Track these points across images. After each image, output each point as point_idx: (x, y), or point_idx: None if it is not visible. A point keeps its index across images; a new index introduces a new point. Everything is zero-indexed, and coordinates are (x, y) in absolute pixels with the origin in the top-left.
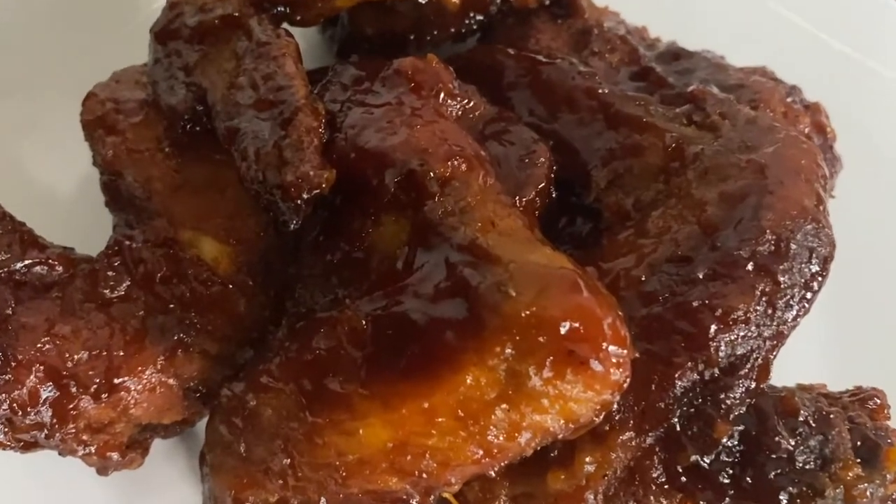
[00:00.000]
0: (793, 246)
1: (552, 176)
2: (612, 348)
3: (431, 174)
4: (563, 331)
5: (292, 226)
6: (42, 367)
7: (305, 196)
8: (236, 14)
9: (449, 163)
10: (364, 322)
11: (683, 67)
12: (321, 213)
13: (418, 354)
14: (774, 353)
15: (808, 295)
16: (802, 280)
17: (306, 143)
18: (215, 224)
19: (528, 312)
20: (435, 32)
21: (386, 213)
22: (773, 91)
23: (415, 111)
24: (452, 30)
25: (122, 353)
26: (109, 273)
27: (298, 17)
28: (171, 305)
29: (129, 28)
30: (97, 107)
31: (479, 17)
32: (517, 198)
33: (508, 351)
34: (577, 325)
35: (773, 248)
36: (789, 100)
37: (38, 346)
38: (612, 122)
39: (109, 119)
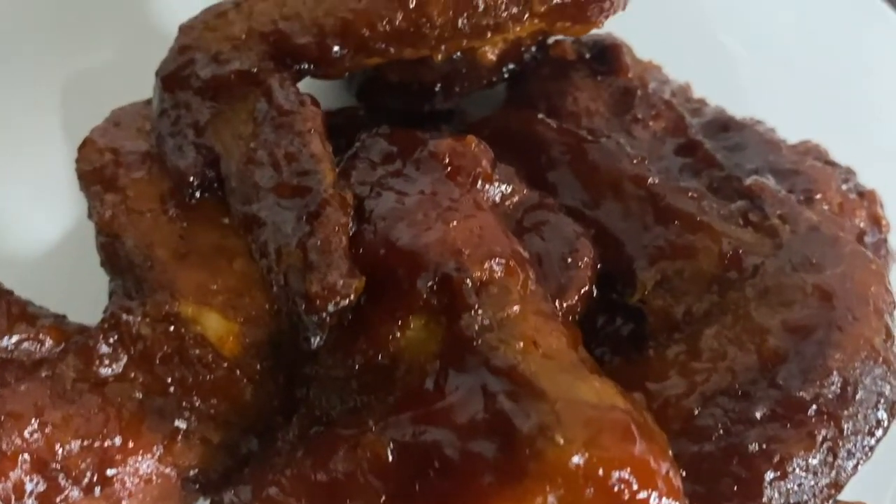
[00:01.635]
0: (860, 391)
1: (594, 281)
2: (665, 502)
3: (468, 281)
4: (613, 484)
5: (315, 343)
6: (29, 459)
7: (331, 309)
8: (255, 70)
9: (487, 265)
10: (389, 449)
11: (733, 142)
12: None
13: (448, 496)
14: (829, 502)
15: (872, 442)
16: (867, 427)
17: (334, 245)
18: (222, 299)
19: (575, 462)
20: (465, 84)
21: (416, 317)
22: (829, 179)
23: (451, 204)
24: (484, 81)
25: (117, 442)
26: (105, 349)
27: (322, 74)
28: (172, 388)
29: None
30: (95, 156)
31: (513, 67)
32: (558, 302)
33: (551, 501)
34: (629, 477)
35: (839, 391)
36: (845, 187)
37: (26, 435)
38: (661, 216)
39: (108, 172)
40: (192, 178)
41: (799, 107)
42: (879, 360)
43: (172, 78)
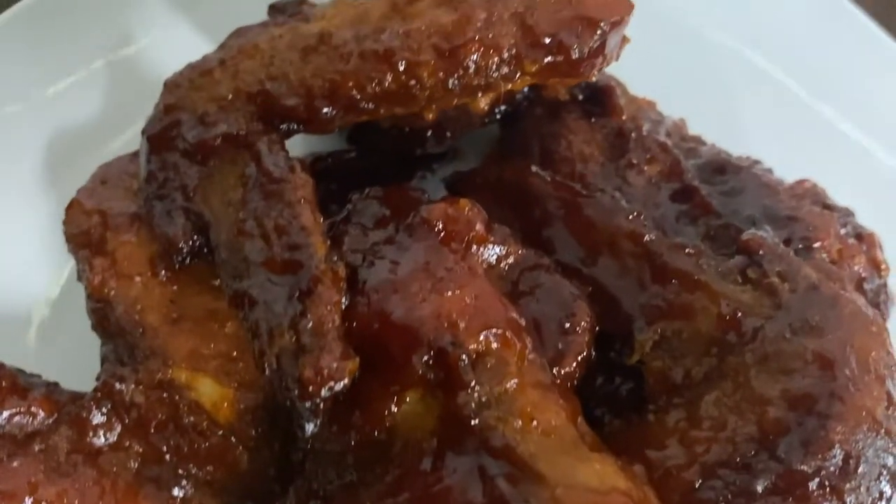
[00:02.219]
0: (863, 464)
1: (592, 345)
2: None
3: (464, 357)
4: None
5: (310, 430)
6: None
7: (325, 394)
8: (242, 133)
9: (483, 337)
10: None
11: (730, 186)
12: None
13: None
14: None
15: None
16: (870, 499)
17: (327, 326)
18: (215, 364)
19: None
20: (456, 128)
21: (412, 391)
22: (828, 226)
23: (445, 273)
24: (476, 124)
25: None
26: (98, 419)
27: (312, 131)
28: (167, 456)
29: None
30: (82, 219)
31: (505, 108)
32: (556, 369)
33: None
34: None
35: (841, 464)
36: (843, 231)
37: None
38: (659, 274)
39: (96, 236)
40: (181, 245)
41: (797, 137)
42: (881, 431)
43: (159, 139)
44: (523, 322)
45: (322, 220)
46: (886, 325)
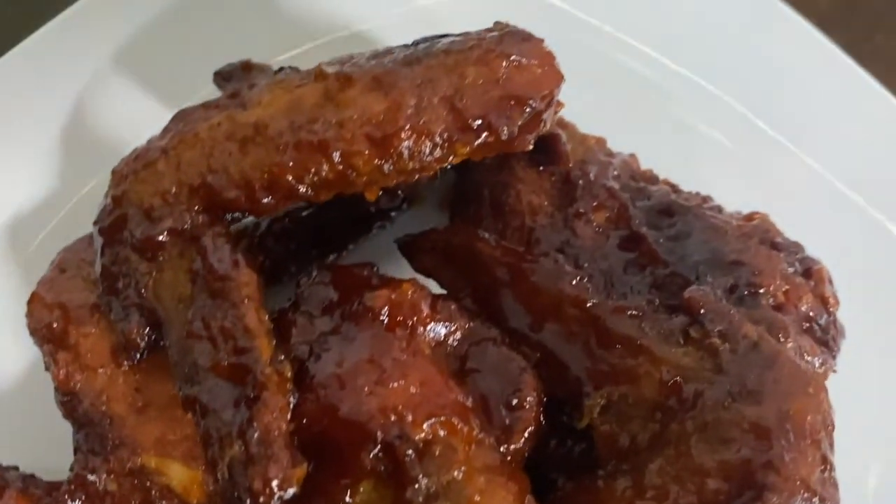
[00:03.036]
0: None
1: (541, 417)
2: None
3: (410, 451)
4: None
5: None
6: None
7: (276, 503)
8: (188, 227)
9: (429, 426)
10: None
11: (676, 230)
12: None
13: None
14: None
15: None
16: None
17: (273, 435)
18: (183, 448)
19: None
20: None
21: (365, 481)
22: (773, 268)
23: (390, 364)
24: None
25: None
26: None
27: (257, 216)
28: None
29: None
30: (43, 314)
31: None
32: (504, 446)
33: None
34: None
35: None
36: (791, 270)
37: None
38: (603, 339)
39: (58, 330)
40: (138, 342)
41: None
42: (816, 498)
43: (110, 231)
44: (470, 401)
45: (267, 317)
46: (834, 362)
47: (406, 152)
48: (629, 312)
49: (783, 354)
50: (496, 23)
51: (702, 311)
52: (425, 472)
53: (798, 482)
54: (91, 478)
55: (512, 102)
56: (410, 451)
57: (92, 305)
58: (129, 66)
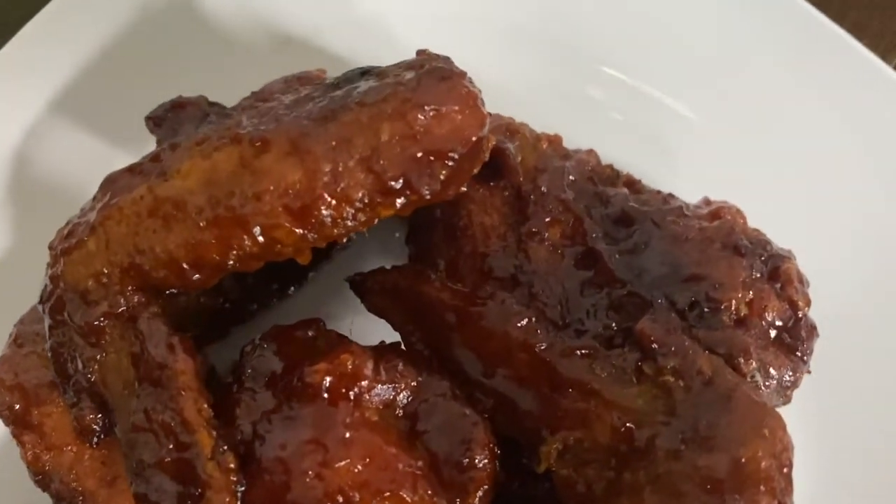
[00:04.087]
0: None
1: (497, 470)
2: None
3: None
4: None
5: None
6: None
7: None
8: (124, 309)
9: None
10: None
11: (634, 242)
12: None
13: None
14: None
15: None
16: None
17: None
18: None
19: None
20: None
21: None
22: (735, 279)
23: (333, 442)
24: None
25: None
26: None
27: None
28: None
29: None
30: (5, 396)
31: None
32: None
33: None
34: None
35: None
36: (755, 275)
37: None
38: (554, 384)
39: (20, 411)
40: (92, 427)
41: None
42: None
43: (52, 313)
44: (421, 465)
45: (206, 405)
46: (807, 365)
47: (328, 220)
48: (580, 352)
49: (738, 391)
50: (418, 52)
51: (654, 345)
52: None
53: None
54: None
55: (432, 158)
56: None
57: (50, 383)
58: (70, 107)
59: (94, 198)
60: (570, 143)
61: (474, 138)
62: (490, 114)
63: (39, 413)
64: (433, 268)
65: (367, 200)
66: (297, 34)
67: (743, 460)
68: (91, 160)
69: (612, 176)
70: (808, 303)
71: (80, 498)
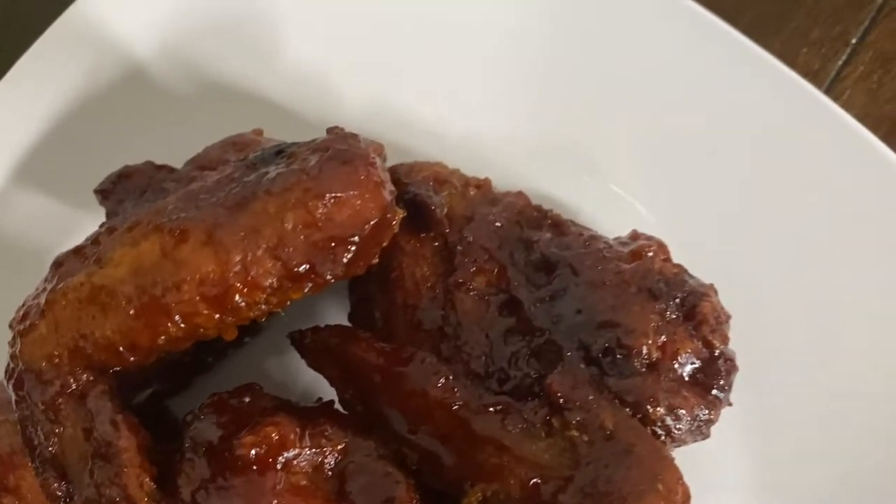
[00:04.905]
0: None
1: None
2: None
3: None
4: None
5: None
6: None
7: None
8: (75, 388)
9: None
10: None
11: (554, 289)
12: None
13: None
14: None
15: None
16: None
17: None
18: None
19: None
20: None
21: None
22: (645, 325)
23: None
24: None
25: None
26: None
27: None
28: None
29: None
30: None
31: None
32: None
33: None
34: None
35: None
36: (672, 316)
37: None
38: (470, 440)
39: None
40: (58, 495)
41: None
42: None
43: (15, 388)
44: None
45: (148, 478)
46: (725, 397)
47: (242, 305)
48: (494, 408)
49: (638, 444)
50: (328, 130)
51: (561, 399)
52: None
53: None
54: None
55: (334, 244)
56: None
57: (23, 448)
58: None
59: (46, 278)
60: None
61: (373, 222)
62: (418, 163)
63: (15, 477)
64: (371, 319)
65: (276, 286)
66: (243, 88)
67: None
68: (57, 222)
69: (540, 217)
70: (724, 340)
71: None
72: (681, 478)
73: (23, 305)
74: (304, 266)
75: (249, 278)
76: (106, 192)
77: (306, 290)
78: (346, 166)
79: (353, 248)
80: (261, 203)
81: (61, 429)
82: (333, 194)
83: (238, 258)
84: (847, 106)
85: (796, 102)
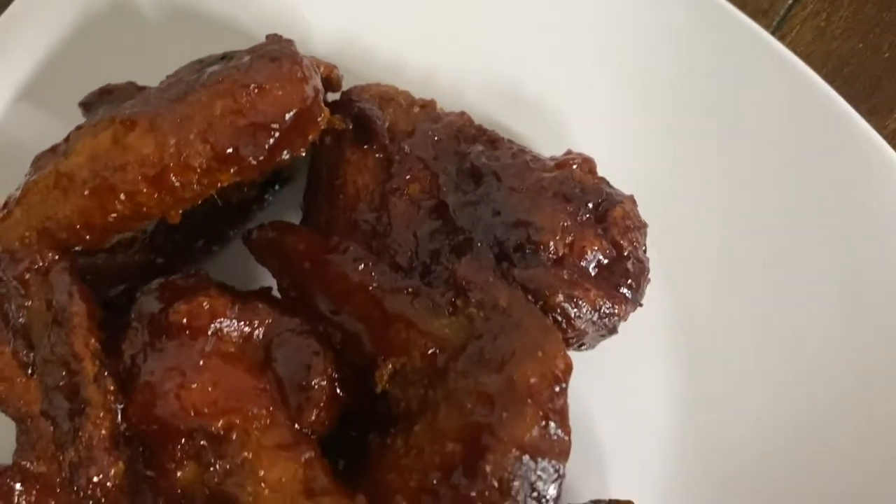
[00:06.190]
0: (514, 484)
1: (336, 391)
2: None
3: (203, 443)
4: None
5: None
6: None
7: (100, 494)
8: (42, 264)
9: (223, 420)
10: None
11: (479, 195)
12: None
13: None
14: None
15: None
16: None
17: (95, 441)
18: None
19: None
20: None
21: (187, 461)
22: (554, 224)
23: (190, 369)
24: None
25: None
26: (19, 488)
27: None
28: None
29: None
30: None
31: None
32: (299, 422)
33: None
34: None
35: (496, 488)
36: (584, 217)
37: None
38: (383, 318)
39: None
40: (24, 360)
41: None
42: (525, 456)
43: None
44: (269, 387)
45: (94, 340)
46: (635, 297)
47: (178, 185)
48: (406, 291)
49: (527, 318)
50: (267, 37)
51: (464, 282)
52: (221, 456)
53: (510, 442)
54: (25, 464)
55: (255, 130)
56: (203, 442)
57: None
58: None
59: (26, 174)
60: None
61: (294, 111)
62: (369, 84)
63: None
64: (317, 224)
65: (206, 166)
66: (221, 19)
67: (514, 378)
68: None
69: (477, 134)
70: (634, 244)
71: (29, 420)
72: (563, 350)
73: (7, 199)
74: (229, 149)
75: (182, 159)
76: (88, 106)
77: (232, 173)
78: (272, 62)
79: (276, 134)
80: (196, 94)
81: (29, 302)
82: (257, 84)
83: (173, 141)
84: (795, 43)
85: (743, 41)
